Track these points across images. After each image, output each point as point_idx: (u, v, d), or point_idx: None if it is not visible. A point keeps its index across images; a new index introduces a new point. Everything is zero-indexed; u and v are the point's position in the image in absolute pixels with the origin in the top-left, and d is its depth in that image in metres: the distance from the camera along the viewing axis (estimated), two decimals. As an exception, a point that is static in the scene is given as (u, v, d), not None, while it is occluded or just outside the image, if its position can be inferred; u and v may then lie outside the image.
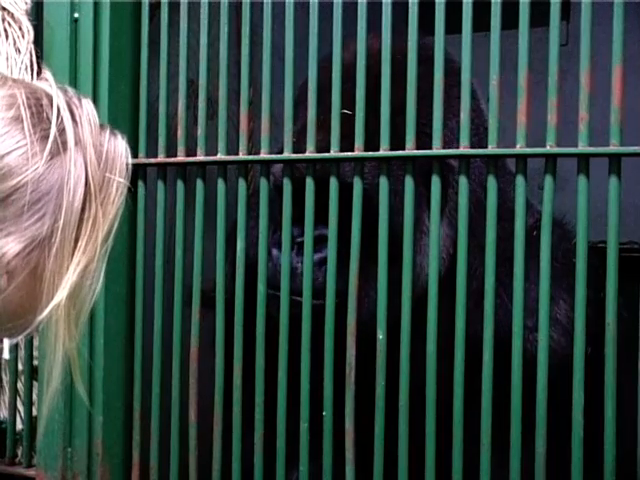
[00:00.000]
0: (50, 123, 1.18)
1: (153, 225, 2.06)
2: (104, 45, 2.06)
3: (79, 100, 1.24)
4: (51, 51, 2.09)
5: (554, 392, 1.66)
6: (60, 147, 1.17)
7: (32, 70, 2.17)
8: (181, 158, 2.01)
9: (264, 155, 1.91)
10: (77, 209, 1.17)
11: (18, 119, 1.16)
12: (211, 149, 1.98)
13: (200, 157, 1.98)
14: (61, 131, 1.18)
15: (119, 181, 1.22)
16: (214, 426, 1.96)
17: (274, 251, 1.96)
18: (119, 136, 1.26)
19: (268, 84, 1.90)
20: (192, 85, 2.04)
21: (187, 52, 2.01)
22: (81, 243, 1.17)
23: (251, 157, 1.95)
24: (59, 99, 1.21)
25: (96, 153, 1.20)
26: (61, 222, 1.16)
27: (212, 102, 2.02)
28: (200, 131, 1.99)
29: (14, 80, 1.24)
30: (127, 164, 1.25)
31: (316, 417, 1.85)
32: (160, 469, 2.04)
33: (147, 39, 2.08)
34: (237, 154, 1.95)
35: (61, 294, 1.16)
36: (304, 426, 1.86)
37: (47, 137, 1.17)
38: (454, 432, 1.72)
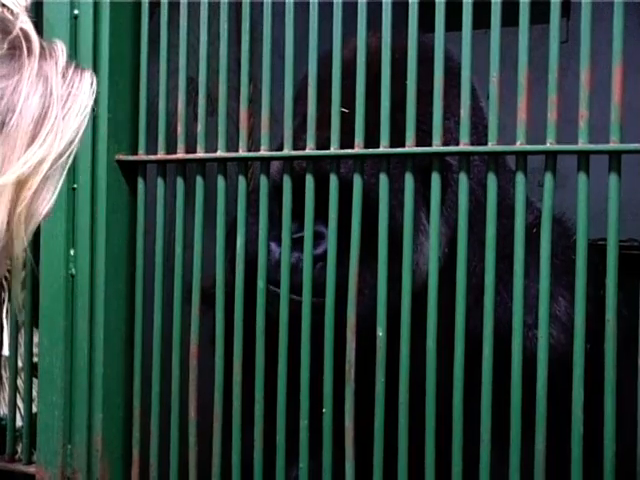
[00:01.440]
0: (14, 27, 1.20)
1: (153, 222, 2.06)
2: (104, 42, 2.05)
3: (50, 41, 1.27)
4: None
5: (554, 389, 1.66)
6: (24, 47, 1.19)
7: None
8: (181, 155, 2.01)
9: (264, 152, 1.91)
10: (36, 105, 1.18)
11: None
12: (211, 146, 1.98)
13: (200, 154, 1.98)
14: (26, 38, 1.20)
15: (83, 98, 1.23)
16: (214, 423, 1.96)
17: (272, 245, 1.96)
18: (87, 71, 1.28)
19: (268, 81, 1.90)
20: (192, 82, 2.04)
21: (187, 49, 2.01)
22: (38, 141, 1.19)
23: (251, 154, 1.95)
24: (27, 25, 1.23)
25: (62, 71, 1.22)
26: (17, 110, 1.17)
27: (212, 99, 2.01)
28: (200, 128, 1.99)
29: None
30: (92, 87, 1.26)
31: (316, 414, 1.85)
32: (160, 466, 2.04)
33: (147, 36, 2.07)
34: (237, 151, 1.95)
35: (6, 178, 1.17)
36: (304, 423, 1.86)
37: (10, 32, 1.19)
38: (454, 429, 1.73)
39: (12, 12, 1.54)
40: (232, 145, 1.97)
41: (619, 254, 1.61)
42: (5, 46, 1.17)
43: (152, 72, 2.07)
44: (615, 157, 1.62)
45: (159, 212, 2.04)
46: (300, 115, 1.92)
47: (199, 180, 1.98)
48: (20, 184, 1.19)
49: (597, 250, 1.73)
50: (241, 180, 1.94)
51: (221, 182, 1.96)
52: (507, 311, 1.74)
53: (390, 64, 1.78)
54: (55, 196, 1.25)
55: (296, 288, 1.87)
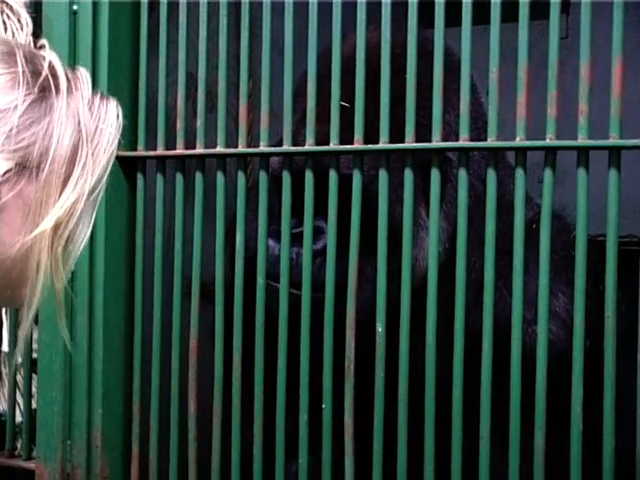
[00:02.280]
0: (43, 67, 1.22)
1: (152, 218, 2.06)
2: (103, 38, 2.05)
3: (72, 69, 1.29)
4: (50, 44, 2.08)
5: (553, 385, 1.66)
6: (52, 86, 1.21)
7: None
8: (180, 151, 2.01)
9: (263, 148, 1.91)
10: (67, 146, 1.20)
11: (11, 54, 1.20)
12: (210, 142, 1.98)
13: (199, 150, 1.98)
14: (54, 75, 1.22)
15: (111, 132, 1.25)
16: (213, 418, 1.96)
17: (270, 242, 1.96)
18: (111, 99, 1.29)
19: (267, 77, 1.90)
20: (191, 78, 2.04)
21: (186, 45, 2.01)
22: (71, 181, 1.20)
23: (250, 150, 1.95)
24: (53, 57, 1.25)
25: (89, 105, 1.24)
26: (51, 154, 1.18)
27: (211, 95, 2.01)
28: (199, 124, 1.99)
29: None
30: (118, 119, 1.27)
31: (315, 410, 1.85)
32: (159, 461, 2.04)
33: (146, 32, 2.07)
34: (236, 147, 1.95)
35: (45, 224, 1.19)
36: (303, 418, 1.86)
37: (39, 73, 1.20)
38: (453, 425, 1.73)
39: (11, 8, 1.54)
40: (231, 141, 1.97)
41: (618, 250, 1.61)
42: (36, 90, 1.19)
43: (151, 68, 2.07)
44: (615, 153, 1.61)
45: (158, 208, 2.04)
46: (300, 110, 1.92)
47: (198, 176, 1.98)
48: (57, 227, 1.21)
49: (596, 246, 1.73)
50: (240, 176, 1.94)
51: (220, 178, 1.96)
52: (507, 307, 1.74)
53: (390, 60, 1.77)
54: (90, 229, 1.27)
55: (295, 283, 1.87)
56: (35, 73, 1.20)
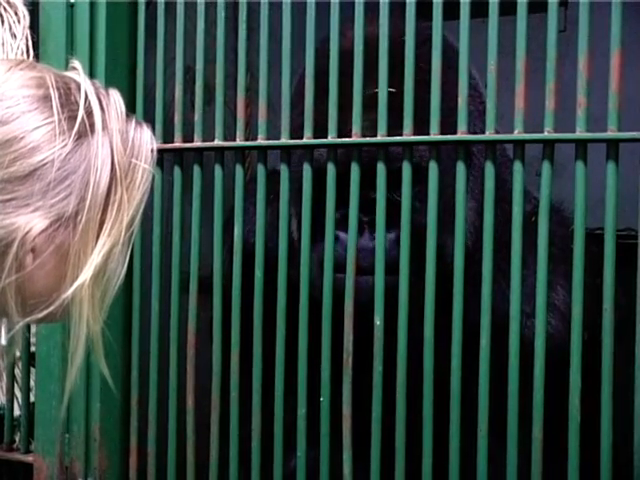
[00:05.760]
0: (78, 105, 1.19)
1: (150, 211, 2.05)
2: (100, 30, 2.05)
3: (106, 90, 1.27)
4: (47, 36, 2.08)
5: (552, 377, 1.67)
6: (87, 129, 1.19)
7: (28, 55, 2.16)
8: (178, 144, 2.01)
9: (261, 141, 1.91)
10: (103, 191, 1.18)
11: (47, 98, 1.18)
12: (208, 135, 1.98)
13: (197, 143, 1.98)
14: (89, 114, 1.20)
15: (144, 167, 1.23)
16: (212, 412, 1.96)
17: (341, 235, 1.91)
18: (144, 125, 1.28)
19: (265, 69, 1.90)
20: (189, 71, 2.03)
21: (184, 38, 2.00)
22: (106, 226, 1.19)
23: (248, 143, 1.95)
24: (87, 85, 1.23)
25: (122, 139, 1.22)
26: (87, 202, 1.17)
27: (209, 88, 2.01)
28: (197, 117, 1.98)
29: (43, 66, 1.26)
30: (152, 152, 1.26)
31: (314, 403, 1.85)
32: (158, 454, 2.05)
33: (144, 25, 2.07)
34: (234, 140, 1.95)
35: (85, 275, 1.18)
36: (302, 412, 1.86)
37: (75, 118, 1.18)
38: (451, 417, 1.73)
39: (8, 1, 1.54)
40: (229, 134, 1.97)
41: (617, 243, 1.61)
42: (73, 139, 1.17)
43: (149, 61, 2.06)
44: (613, 146, 1.61)
45: (156, 201, 2.04)
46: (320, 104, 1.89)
47: (196, 169, 1.98)
48: (97, 274, 1.19)
49: (595, 239, 1.73)
50: (238, 169, 1.94)
51: (218, 171, 1.95)
52: (505, 300, 1.74)
53: (388, 51, 1.77)
54: (125, 267, 1.26)
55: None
56: (71, 118, 1.18)
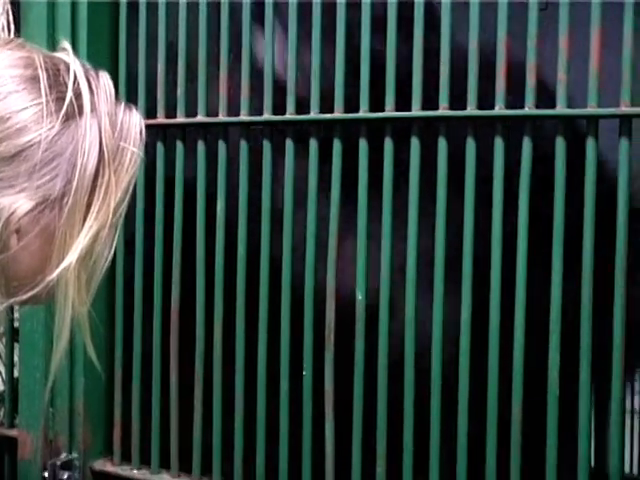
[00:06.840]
0: (67, 87, 1.19)
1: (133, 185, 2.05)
2: (82, 7, 2.03)
3: (96, 72, 1.26)
4: (28, 12, 2.07)
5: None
6: (76, 110, 1.18)
7: (9, 30, 2.15)
8: (161, 120, 2.01)
9: (244, 117, 1.91)
10: (90, 173, 1.18)
11: (35, 79, 1.17)
12: (191, 111, 1.98)
13: (180, 119, 1.99)
14: (77, 95, 1.19)
15: (133, 150, 1.23)
16: (195, 386, 1.98)
17: None
18: (134, 109, 1.27)
19: (247, 46, 1.90)
20: (172, 47, 2.03)
21: (166, 13, 2.00)
22: (93, 209, 1.19)
23: (231, 119, 1.95)
24: (76, 66, 1.22)
25: (111, 122, 1.21)
26: (74, 184, 1.17)
27: (192, 64, 2.00)
28: (180, 93, 1.98)
29: (32, 46, 1.25)
30: (141, 135, 1.26)
31: (296, 377, 1.87)
32: (142, 428, 2.06)
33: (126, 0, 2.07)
34: (217, 116, 1.95)
35: (71, 257, 1.18)
36: (284, 387, 1.88)
37: (63, 99, 1.18)
38: (432, 391, 1.74)
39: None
40: (212, 110, 1.97)
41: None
42: (60, 121, 1.17)
43: (131, 37, 2.06)
44: (593, 122, 1.63)
45: (139, 176, 2.03)
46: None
47: (179, 145, 1.99)
48: (83, 257, 1.20)
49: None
50: (221, 145, 1.94)
51: (201, 147, 1.96)
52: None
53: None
54: (112, 250, 1.26)
55: None
56: (59, 99, 1.18)
